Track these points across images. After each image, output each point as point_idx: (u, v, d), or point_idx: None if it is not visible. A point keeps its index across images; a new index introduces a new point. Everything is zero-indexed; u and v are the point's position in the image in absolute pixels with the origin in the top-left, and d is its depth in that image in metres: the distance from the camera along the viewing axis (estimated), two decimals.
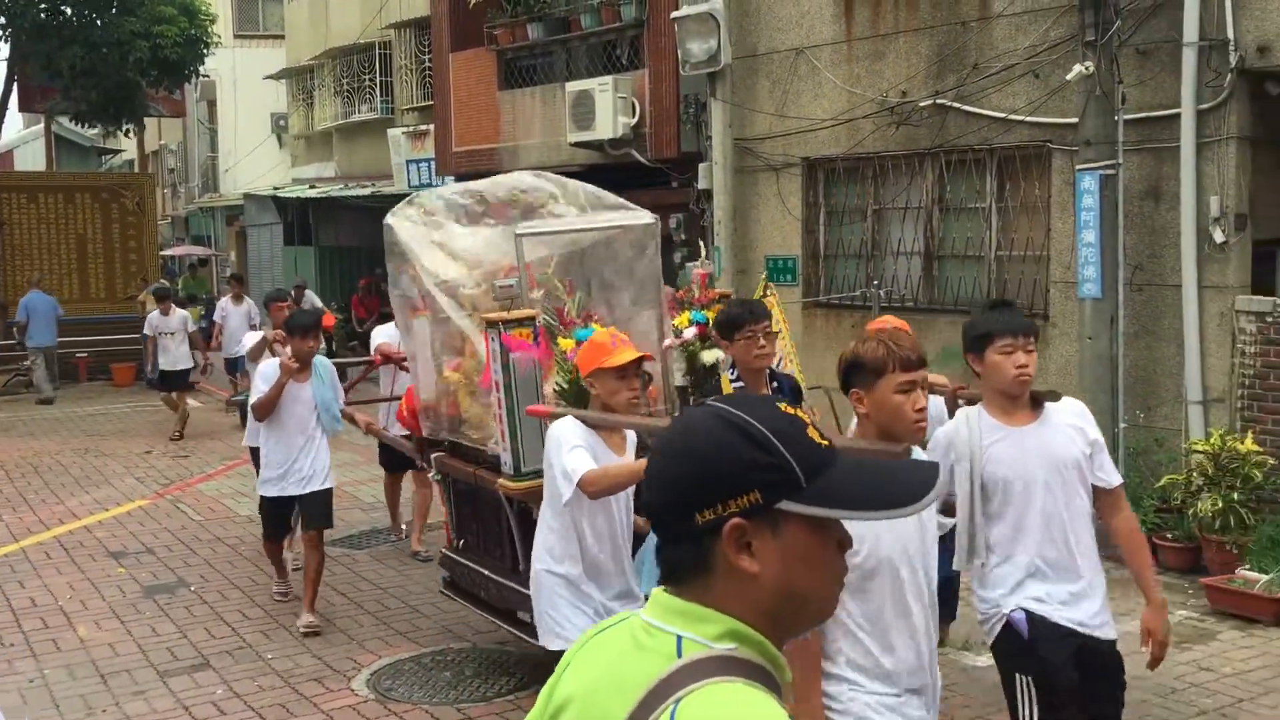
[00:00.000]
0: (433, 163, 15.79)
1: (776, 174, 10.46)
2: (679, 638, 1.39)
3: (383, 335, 8.13)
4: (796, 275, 10.34)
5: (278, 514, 7.05)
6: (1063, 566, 3.63)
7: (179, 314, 13.92)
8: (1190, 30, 7.47)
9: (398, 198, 18.80)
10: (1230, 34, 7.37)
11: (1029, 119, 8.56)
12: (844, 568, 1.47)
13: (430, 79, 16.32)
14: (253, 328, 14.07)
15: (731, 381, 4.93)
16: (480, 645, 6.44)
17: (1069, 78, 7.80)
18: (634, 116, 11.48)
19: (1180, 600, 6.65)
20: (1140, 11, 7.80)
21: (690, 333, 5.55)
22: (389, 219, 6.05)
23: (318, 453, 6.93)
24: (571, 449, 4.08)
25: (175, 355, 13.65)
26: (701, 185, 10.91)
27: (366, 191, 19.05)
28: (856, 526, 2.72)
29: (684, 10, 10.49)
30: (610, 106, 11.38)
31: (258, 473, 7.29)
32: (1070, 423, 3.70)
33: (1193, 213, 7.60)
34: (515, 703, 5.62)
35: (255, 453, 7.49)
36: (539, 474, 4.75)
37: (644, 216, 5.90)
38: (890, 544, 2.92)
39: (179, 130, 31.96)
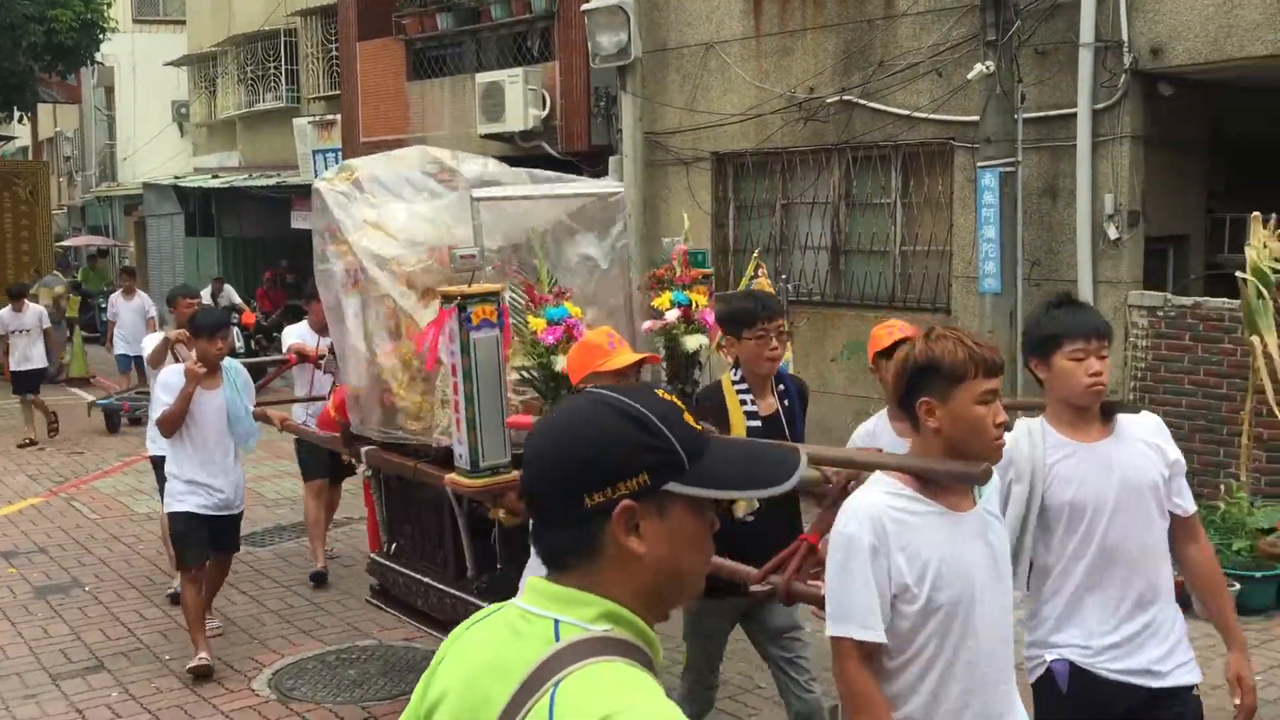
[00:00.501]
0: (339, 153, 15.53)
1: (686, 168, 10.50)
2: (556, 622, 1.42)
3: (294, 336, 7.55)
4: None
5: (196, 530, 6.03)
6: (1127, 602, 3.13)
7: (33, 310, 13.24)
8: (1086, 31, 7.67)
9: (303, 188, 18.43)
10: (1125, 36, 7.58)
11: (932, 116, 8.71)
12: (713, 548, 1.52)
13: (337, 68, 16.05)
14: (149, 323, 13.63)
15: (734, 384, 4.16)
16: (386, 642, 6.37)
17: (970, 76, 7.96)
18: (544, 109, 11.43)
19: None
20: (1039, 12, 7.98)
21: (673, 315, 4.83)
22: (318, 183, 5.34)
23: (234, 470, 6.18)
24: None
25: (27, 354, 12.87)
26: (612, 179, 10.91)
27: (271, 181, 18.67)
28: (915, 568, 2.51)
29: (594, 3, 10.47)
30: (520, 98, 11.31)
31: (160, 485, 6.54)
32: (1147, 439, 3.19)
33: (1088, 210, 7.81)
34: None
35: (157, 462, 6.77)
36: (498, 470, 4.33)
37: (610, 185, 5.41)
38: (957, 590, 2.51)
39: (75, 117, 31.00)
